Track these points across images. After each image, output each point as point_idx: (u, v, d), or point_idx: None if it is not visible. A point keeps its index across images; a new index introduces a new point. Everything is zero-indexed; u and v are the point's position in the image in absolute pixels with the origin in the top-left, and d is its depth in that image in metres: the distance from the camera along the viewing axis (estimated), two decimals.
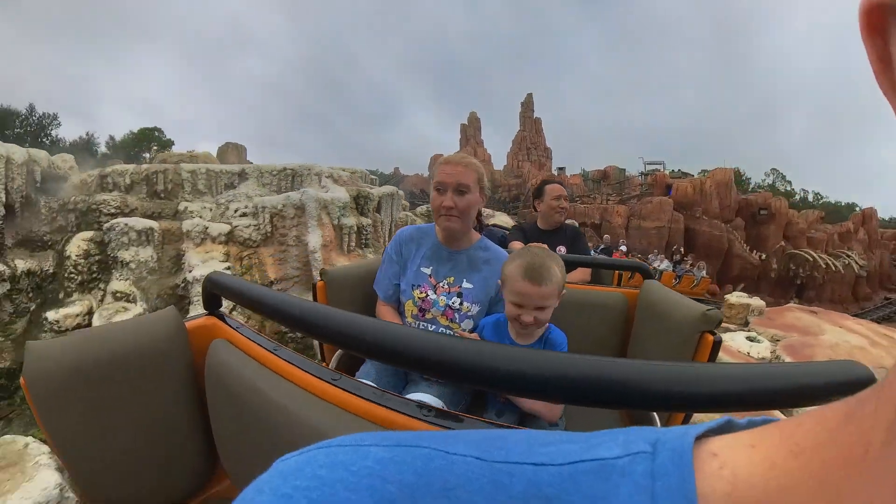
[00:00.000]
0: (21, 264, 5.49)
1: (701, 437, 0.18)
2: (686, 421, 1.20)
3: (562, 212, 2.45)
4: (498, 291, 1.37)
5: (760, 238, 14.87)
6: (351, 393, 0.63)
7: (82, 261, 5.79)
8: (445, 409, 0.73)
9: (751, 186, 39.29)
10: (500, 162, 35.98)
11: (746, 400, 0.48)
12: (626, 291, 1.80)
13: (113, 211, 6.51)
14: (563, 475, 0.17)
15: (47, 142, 26.13)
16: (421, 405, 0.60)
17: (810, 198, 44.62)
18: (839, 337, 9.03)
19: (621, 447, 0.18)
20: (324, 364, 1.40)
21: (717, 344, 1.15)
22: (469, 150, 31.19)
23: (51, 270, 5.62)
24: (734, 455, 0.17)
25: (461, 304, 1.38)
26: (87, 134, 33.27)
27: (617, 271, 2.65)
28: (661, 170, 20.57)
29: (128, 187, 7.09)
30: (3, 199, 5.04)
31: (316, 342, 1.58)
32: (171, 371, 0.83)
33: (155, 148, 32.63)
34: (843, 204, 43.63)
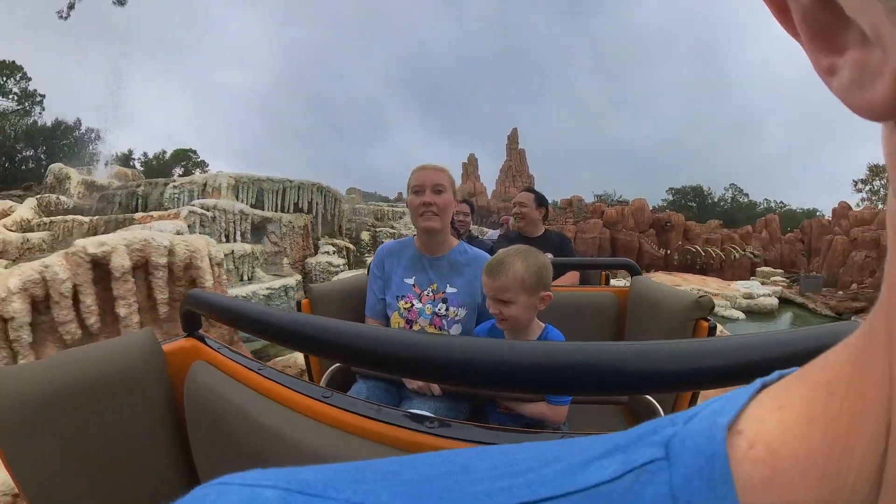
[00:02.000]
0: (342, 242, 10.73)
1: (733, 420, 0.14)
2: (693, 401, 1.10)
3: (517, 217, 2.41)
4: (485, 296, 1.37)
5: (667, 241, 21.78)
6: (344, 410, 0.59)
7: (369, 242, 11.40)
8: (447, 419, 0.62)
9: (713, 200, 46.15)
10: (487, 180, 39.92)
11: (751, 370, 0.44)
12: (615, 290, 1.80)
13: (370, 224, 12.53)
14: None
15: (87, 153, 25.00)
16: (422, 417, 0.56)
17: (773, 205, 47.47)
18: (664, 279, 16.27)
19: (620, 462, 0.14)
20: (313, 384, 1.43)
21: (712, 330, 1.14)
22: (469, 185, 35.83)
23: (351, 245, 10.48)
24: (763, 426, 0.13)
25: (447, 309, 1.33)
26: (129, 151, 33.92)
27: (603, 272, 2.57)
28: (607, 200, 30.98)
29: (367, 214, 13.20)
30: (335, 214, 10.00)
31: (304, 365, 1.50)
32: (147, 397, 0.75)
33: (182, 166, 34.60)
34: (801, 210, 45.99)
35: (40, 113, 23.40)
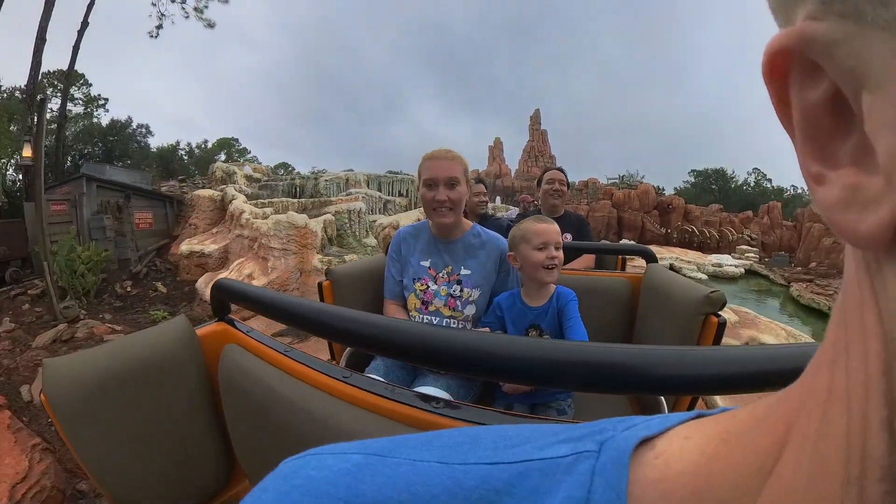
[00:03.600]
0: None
1: (656, 436, 0.20)
2: (693, 404, 1.15)
3: (555, 195, 2.36)
4: (501, 271, 1.39)
5: (669, 221, 24.45)
6: (362, 389, 0.63)
7: None
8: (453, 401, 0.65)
9: (736, 184, 41.61)
10: (508, 156, 41.10)
11: (745, 382, 0.49)
12: (630, 276, 1.78)
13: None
14: (514, 472, 0.20)
15: (137, 146, 27.69)
16: (430, 398, 0.59)
17: (800, 192, 44.40)
18: (653, 249, 20.16)
19: (571, 447, 0.20)
20: (334, 362, 1.38)
21: (722, 325, 1.12)
22: (495, 167, 37.86)
23: None
24: (670, 447, 0.19)
25: (462, 290, 1.35)
26: (177, 142, 35.93)
27: (620, 256, 2.52)
28: (629, 180, 33.03)
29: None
30: (418, 196, 14.41)
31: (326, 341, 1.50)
32: (185, 378, 0.81)
33: (226, 153, 36.18)
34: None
35: (102, 115, 25.62)
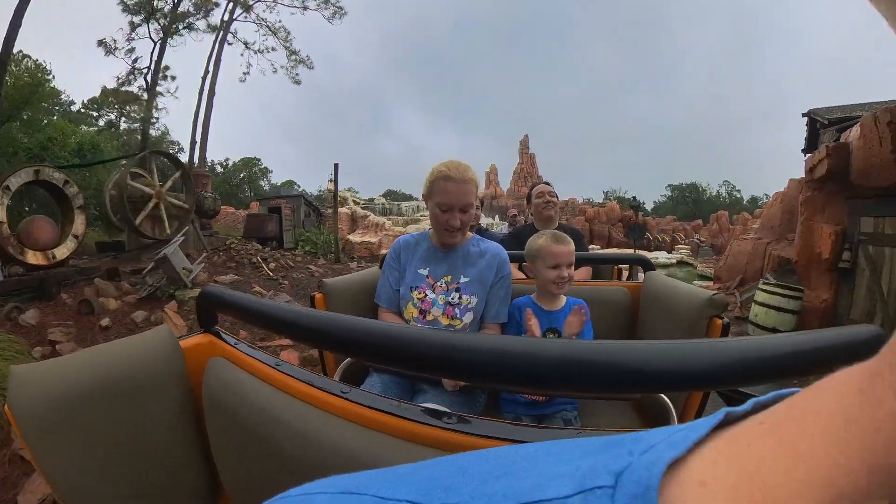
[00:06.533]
0: None
1: (680, 458, 0.16)
2: (702, 406, 1.10)
3: (548, 206, 2.44)
4: (497, 277, 1.41)
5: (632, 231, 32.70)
6: (364, 405, 0.59)
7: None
8: (463, 415, 0.62)
9: (710, 196, 44.45)
10: (499, 171, 44.65)
11: (749, 375, 0.47)
12: (627, 285, 1.78)
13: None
14: None
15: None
16: (439, 413, 0.57)
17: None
18: (610, 250, 27.87)
19: (578, 482, 0.16)
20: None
21: (726, 327, 1.11)
22: (491, 189, 41.32)
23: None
24: (683, 494, 0.15)
25: (460, 297, 1.35)
26: (206, 159, 37.59)
27: (616, 266, 2.54)
28: (589, 202, 36.96)
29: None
30: None
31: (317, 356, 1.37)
32: (166, 394, 0.75)
33: (249, 172, 37.71)
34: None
35: (153, 132, 24.21)
